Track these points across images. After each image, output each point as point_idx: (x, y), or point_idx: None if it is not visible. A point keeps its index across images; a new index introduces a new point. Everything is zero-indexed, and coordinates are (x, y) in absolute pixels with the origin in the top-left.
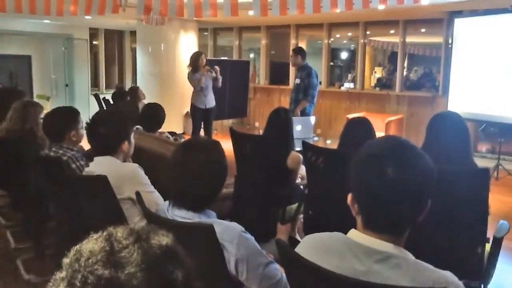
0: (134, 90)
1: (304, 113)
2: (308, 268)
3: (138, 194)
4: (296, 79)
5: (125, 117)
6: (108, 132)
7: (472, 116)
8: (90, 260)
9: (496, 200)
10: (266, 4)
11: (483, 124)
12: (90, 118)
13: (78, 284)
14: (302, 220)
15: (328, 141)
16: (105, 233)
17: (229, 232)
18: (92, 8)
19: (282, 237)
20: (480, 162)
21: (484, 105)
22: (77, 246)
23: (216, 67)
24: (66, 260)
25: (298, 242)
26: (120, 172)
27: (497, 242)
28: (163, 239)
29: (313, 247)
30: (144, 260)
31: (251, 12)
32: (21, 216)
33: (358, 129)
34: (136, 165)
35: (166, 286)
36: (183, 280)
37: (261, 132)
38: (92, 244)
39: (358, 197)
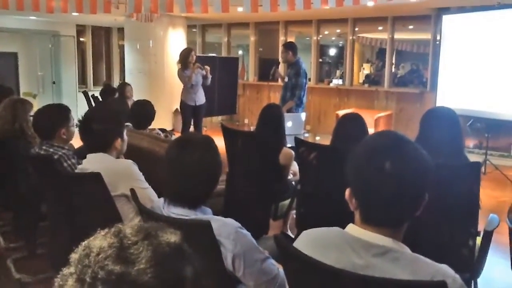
0: (123, 87)
1: (290, 112)
2: (307, 263)
3: (132, 190)
4: (286, 77)
5: (118, 114)
6: (101, 129)
7: (460, 112)
8: (100, 256)
9: (484, 194)
10: (257, 1)
11: (470, 119)
12: (82, 115)
13: (88, 279)
14: (294, 216)
15: (318, 137)
16: (113, 229)
17: (226, 228)
18: (84, 6)
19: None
20: (468, 157)
21: (472, 100)
22: (85, 242)
23: (207, 66)
24: (74, 256)
25: (290, 238)
26: (114, 169)
27: (488, 235)
28: (172, 236)
29: (311, 242)
30: (154, 257)
31: (240, 9)
32: (11, 215)
33: (351, 125)
34: (130, 161)
35: (176, 282)
36: (192, 277)
37: (251, 128)
38: (101, 240)
39: (356, 192)
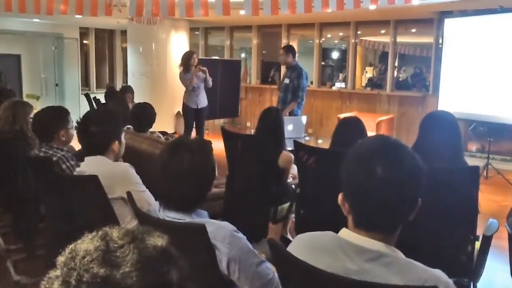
0: (124, 91)
1: (291, 115)
2: (301, 268)
3: (129, 194)
4: (286, 79)
5: (116, 117)
6: (98, 131)
7: (462, 116)
8: (85, 259)
9: (485, 199)
10: (258, 4)
11: (473, 123)
12: (81, 117)
13: (73, 282)
14: (293, 219)
15: (320, 141)
16: (100, 233)
17: (221, 232)
18: (84, 8)
19: (273, 237)
20: (470, 161)
21: (474, 104)
22: (72, 245)
23: (204, 68)
24: (61, 259)
25: (290, 241)
26: (112, 172)
27: (487, 240)
28: (158, 240)
29: (304, 246)
30: (139, 260)
31: (242, 12)
32: (10, 217)
33: (350, 129)
34: (128, 164)
35: (160, 286)
36: (178, 281)
37: (252, 131)
38: (88, 243)
39: (349, 196)
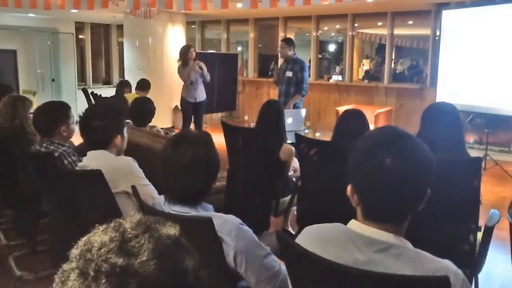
0: (122, 84)
1: (294, 107)
2: (309, 259)
3: (134, 187)
4: (287, 72)
5: (117, 111)
6: (100, 126)
7: (460, 107)
8: (102, 250)
9: (484, 190)
10: None
11: (470, 115)
12: (82, 111)
13: (91, 273)
14: (295, 212)
15: (318, 134)
16: (113, 224)
17: (227, 225)
18: (81, 2)
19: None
20: (469, 153)
21: (472, 96)
22: (85, 237)
23: (202, 64)
24: (75, 251)
25: (291, 234)
26: (115, 166)
27: (489, 231)
28: (171, 229)
29: (313, 238)
30: (155, 249)
31: (240, 5)
32: (12, 213)
33: (352, 121)
34: (130, 158)
35: (178, 274)
36: (192, 269)
37: (251, 125)
38: (101, 234)
39: (358, 188)
